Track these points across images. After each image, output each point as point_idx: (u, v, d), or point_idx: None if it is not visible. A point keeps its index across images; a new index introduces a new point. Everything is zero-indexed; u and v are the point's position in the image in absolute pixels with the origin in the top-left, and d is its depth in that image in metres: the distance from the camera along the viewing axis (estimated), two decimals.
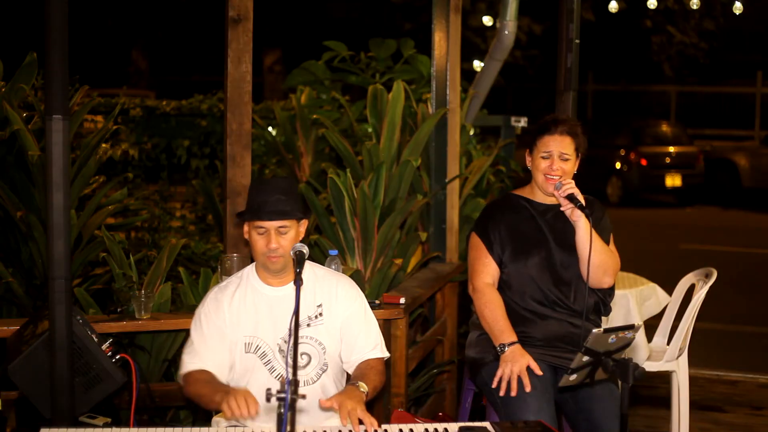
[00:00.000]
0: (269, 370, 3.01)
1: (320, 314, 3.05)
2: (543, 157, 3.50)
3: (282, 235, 2.94)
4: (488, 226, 3.60)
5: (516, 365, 3.35)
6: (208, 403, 2.86)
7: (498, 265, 3.56)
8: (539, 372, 3.36)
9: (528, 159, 3.59)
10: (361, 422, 2.71)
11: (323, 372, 3.05)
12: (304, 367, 3.02)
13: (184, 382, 2.99)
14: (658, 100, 23.13)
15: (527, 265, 3.52)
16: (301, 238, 3.02)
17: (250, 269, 3.11)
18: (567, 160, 3.50)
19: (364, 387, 2.89)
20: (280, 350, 3.00)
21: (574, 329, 3.48)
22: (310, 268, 3.10)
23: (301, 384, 2.97)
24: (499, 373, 3.37)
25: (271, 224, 2.93)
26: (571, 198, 3.43)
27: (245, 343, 3.00)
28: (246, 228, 3.02)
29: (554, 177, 3.48)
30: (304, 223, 3.05)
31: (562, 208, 3.49)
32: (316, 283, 3.08)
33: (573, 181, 3.47)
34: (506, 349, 3.40)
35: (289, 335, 2.89)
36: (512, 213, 3.61)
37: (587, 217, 3.44)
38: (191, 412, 3.91)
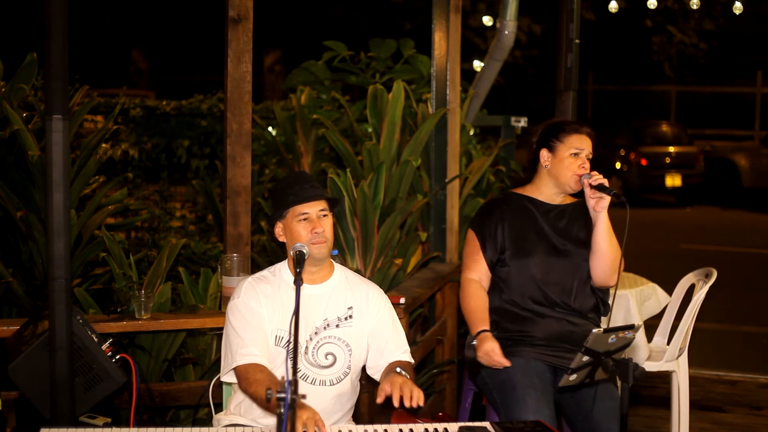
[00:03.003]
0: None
1: (350, 317, 3.05)
2: (573, 155, 3.51)
3: (323, 218, 2.97)
4: (485, 224, 3.61)
5: (488, 347, 3.38)
6: (271, 409, 2.81)
7: (490, 264, 3.58)
8: (507, 363, 3.36)
9: (546, 157, 3.56)
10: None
11: (345, 376, 3.03)
12: (329, 366, 3.01)
13: (240, 377, 2.90)
14: (658, 100, 23.15)
15: (527, 264, 3.52)
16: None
17: (283, 266, 3.10)
18: (590, 159, 3.54)
19: (405, 373, 2.92)
20: (305, 348, 3.00)
21: (573, 328, 3.48)
22: (341, 271, 3.13)
23: (318, 384, 2.98)
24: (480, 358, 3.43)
25: (314, 207, 2.96)
26: (601, 188, 3.44)
27: (275, 336, 2.99)
28: (279, 228, 3.02)
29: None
30: (332, 216, 3.07)
31: (588, 197, 3.48)
32: (348, 286, 3.09)
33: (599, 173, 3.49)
34: (477, 337, 3.45)
35: (290, 336, 2.89)
36: (513, 212, 3.61)
37: (624, 204, 3.41)
38: (191, 412, 3.92)
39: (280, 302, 3.01)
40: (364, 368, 3.14)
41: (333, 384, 3.01)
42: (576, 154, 3.51)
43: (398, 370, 2.94)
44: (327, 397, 3.00)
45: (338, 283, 3.08)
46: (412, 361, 3.15)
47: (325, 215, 2.98)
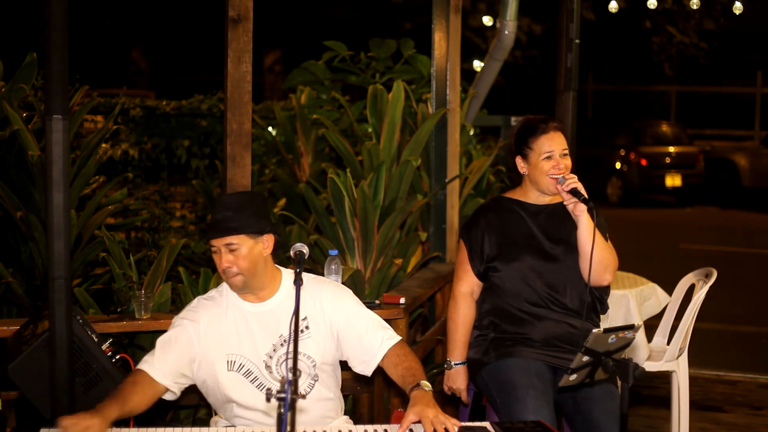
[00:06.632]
0: (257, 387, 2.93)
1: (306, 327, 2.97)
2: (546, 158, 3.49)
3: (232, 252, 2.87)
4: (472, 232, 3.61)
5: (454, 385, 3.66)
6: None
7: (478, 274, 3.60)
8: (465, 400, 3.68)
9: (522, 164, 3.56)
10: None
11: (315, 383, 2.99)
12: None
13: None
14: (658, 100, 23.15)
15: (519, 267, 3.50)
16: (266, 254, 2.93)
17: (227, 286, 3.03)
18: (566, 155, 3.51)
19: (428, 385, 2.80)
20: (267, 366, 2.93)
21: (571, 329, 3.47)
22: (289, 282, 2.99)
23: None
24: (445, 387, 3.71)
25: (219, 242, 2.88)
26: (574, 192, 3.42)
27: (227, 361, 2.93)
28: None
29: (559, 175, 3.47)
30: (268, 238, 2.93)
31: (565, 203, 3.47)
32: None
33: (575, 176, 3.46)
34: (452, 366, 3.65)
35: (289, 335, 2.87)
36: (501, 216, 3.60)
37: (591, 210, 3.42)
38: (191, 412, 3.92)
39: (227, 325, 2.94)
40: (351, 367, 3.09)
41: (307, 393, 2.94)
42: (548, 157, 3.49)
43: (421, 384, 2.79)
44: (308, 405, 2.94)
45: (287, 296, 2.97)
46: (400, 337, 3.02)
47: (234, 249, 2.86)
